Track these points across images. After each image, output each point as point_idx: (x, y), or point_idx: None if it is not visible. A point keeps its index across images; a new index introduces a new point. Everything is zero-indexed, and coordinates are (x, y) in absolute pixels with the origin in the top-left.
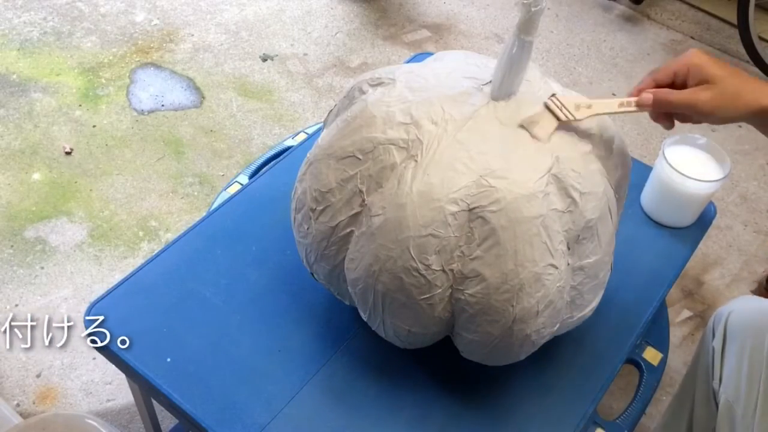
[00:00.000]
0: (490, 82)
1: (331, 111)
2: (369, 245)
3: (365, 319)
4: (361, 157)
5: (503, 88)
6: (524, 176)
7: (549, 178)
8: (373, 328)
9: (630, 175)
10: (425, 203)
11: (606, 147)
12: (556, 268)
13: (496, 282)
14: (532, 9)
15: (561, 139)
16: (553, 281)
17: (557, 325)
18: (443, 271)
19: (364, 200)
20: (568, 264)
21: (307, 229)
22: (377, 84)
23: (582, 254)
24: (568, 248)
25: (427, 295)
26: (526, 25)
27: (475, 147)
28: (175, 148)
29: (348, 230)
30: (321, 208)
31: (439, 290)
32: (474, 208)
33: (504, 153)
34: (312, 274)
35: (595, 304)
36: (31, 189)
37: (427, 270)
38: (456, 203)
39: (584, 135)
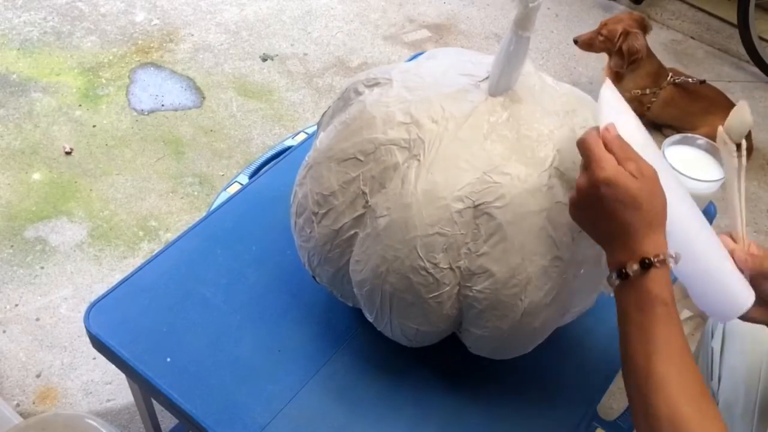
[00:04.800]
0: (487, 78)
1: (325, 113)
2: (375, 246)
3: (371, 320)
4: (362, 158)
5: (501, 84)
6: (527, 171)
7: (551, 171)
8: (379, 329)
9: None
10: (431, 202)
11: None
12: (562, 260)
13: (504, 277)
14: (530, 5)
15: (560, 132)
16: (559, 273)
17: (564, 316)
18: (451, 268)
19: (367, 202)
20: (573, 255)
21: (310, 233)
22: (373, 84)
23: (586, 244)
24: (573, 239)
25: (436, 294)
26: (523, 21)
27: (476, 144)
28: (175, 148)
29: (352, 232)
30: (323, 211)
31: (447, 288)
32: (479, 205)
33: (506, 148)
34: (314, 278)
35: (597, 292)
36: (31, 189)
37: (435, 268)
38: (461, 200)
39: (582, 126)
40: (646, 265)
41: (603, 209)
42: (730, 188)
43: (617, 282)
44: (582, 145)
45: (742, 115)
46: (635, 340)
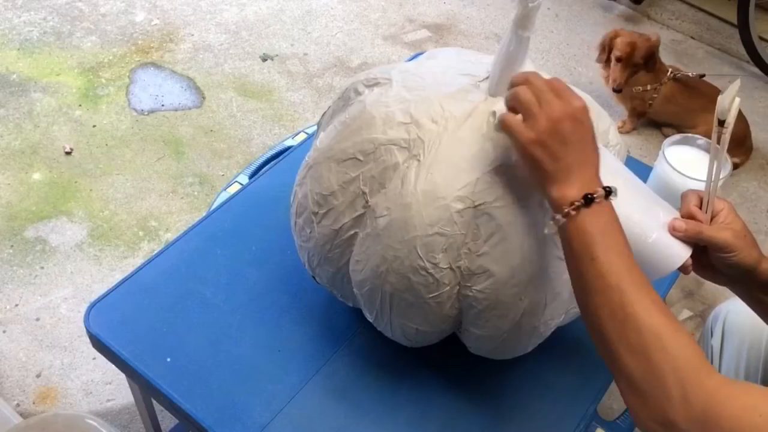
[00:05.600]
0: (487, 78)
1: (325, 113)
2: (375, 246)
3: (371, 321)
4: (362, 158)
5: (501, 84)
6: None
7: None
8: (379, 329)
9: (624, 163)
10: (430, 202)
11: (602, 138)
12: (562, 260)
13: (504, 277)
14: (530, 5)
15: None
16: (559, 273)
17: (563, 316)
18: (451, 268)
19: (367, 202)
20: None
21: (310, 233)
22: (373, 84)
23: None
24: None
25: (435, 294)
26: (523, 21)
27: (476, 144)
28: (175, 148)
29: (352, 232)
30: (323, 211)
31: (447, 288)
32: (479, 205)
33: (505, 149)
34: (314, 278)
35: None
36: (31, 189)
37: (434, 268)
38: (461, 201)
39: None
40: (607, 192)
41: (574, 138)
42: (710, 159)
43: (581, 208)
44: (549, 82)
45: (732, 90)
46: (604, 262)
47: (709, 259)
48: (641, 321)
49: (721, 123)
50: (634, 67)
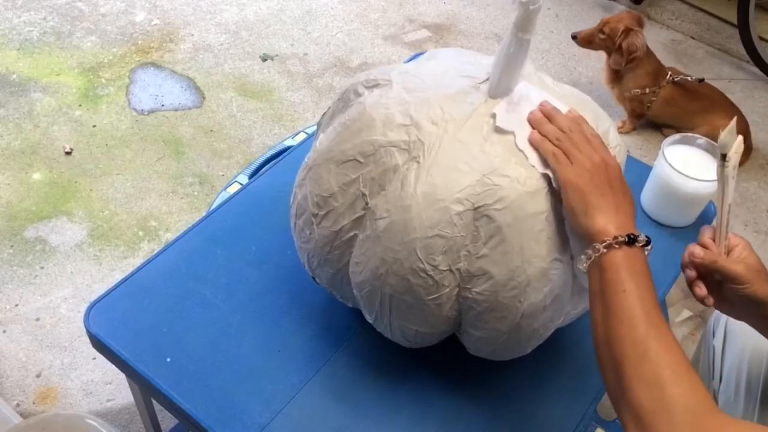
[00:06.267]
0: (487, 80)
1: (324, 114)
2: (375, 248)
3: (371, 322)
4: (362, 160)
5: (501, 86)
6: (527, 173)
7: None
8: (378, 330)
9: (624, 163)
10: (430, 204)
11: (602, 138)
12: (562, 262)
13: (504, 279)
14: (530, 7)
15: None
16: (559, 275)
17: (562, 318)
18: (450, 270)
19: (367, 203)
20: (572, 257)
21: (309, 234)
22: (373, 86)
23: None
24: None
25: (435, 295)
26: (524, 24)
27: (476, 146)
28: (175, 148)
29: (352, 234)
30: (323, 213)
31: (447, 290)
32: (479, 207)
33: (505, 151)
34: (314, 278)
35: None
36: (31, 189)
37: (434, 270)
38: (461, 203)
39: None
40: (647, 241)
41: (616, 183)
42: (717, 193)
43: (623, 245)
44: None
45: (731, 127)
46: (635, 296)
47: (725, 293)
48: (661, 356)
49: (724, 157)
50: (606, 40)
